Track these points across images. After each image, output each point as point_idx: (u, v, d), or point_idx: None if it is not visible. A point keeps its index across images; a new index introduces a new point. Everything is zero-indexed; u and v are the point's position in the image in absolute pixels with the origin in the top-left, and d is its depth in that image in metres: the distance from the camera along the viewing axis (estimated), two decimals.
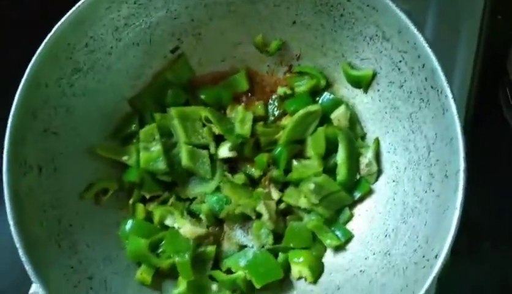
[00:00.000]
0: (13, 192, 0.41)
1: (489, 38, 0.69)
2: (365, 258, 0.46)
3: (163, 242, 0.48)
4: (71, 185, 0.48)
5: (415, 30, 0.43)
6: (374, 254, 0.46)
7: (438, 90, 0.42)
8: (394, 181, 0.48)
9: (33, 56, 0.44)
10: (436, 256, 0.38)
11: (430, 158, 0.44)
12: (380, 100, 0.50)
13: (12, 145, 0.42)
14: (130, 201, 0.51)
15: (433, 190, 0.43)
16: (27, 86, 0.44)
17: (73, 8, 0.45)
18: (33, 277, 0.39)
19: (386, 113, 0.50)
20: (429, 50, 0.42)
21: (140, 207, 0.51)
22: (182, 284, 0.46)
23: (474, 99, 0.65)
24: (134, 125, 0.52)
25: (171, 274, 0.48)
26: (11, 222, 0.40)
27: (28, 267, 0.39)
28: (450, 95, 0.41)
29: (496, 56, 0.69)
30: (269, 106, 0.56)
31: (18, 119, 0.43)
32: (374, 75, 0.50)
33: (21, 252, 0.39)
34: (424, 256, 0.40)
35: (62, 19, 0.44)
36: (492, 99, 0.71)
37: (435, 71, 0.42)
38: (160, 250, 0.48)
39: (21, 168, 0.43)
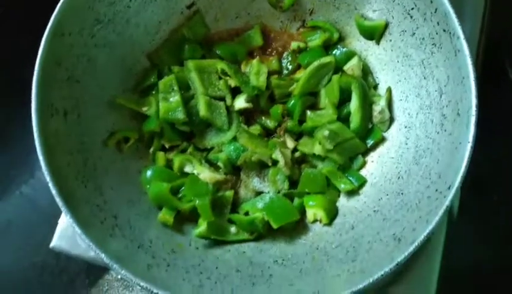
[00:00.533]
0: (41, 132, 0.42)
1: (493, 8, 0.70)
2: (379, 199, 0.48)
3: (183, 188, 0.50)
4: (95, 132, 0.49)
5: None
6: (387, 195, 0.47)
7: (450, 33, 0.43)
8: (406, 127, 0.50)
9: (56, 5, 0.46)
10: (449, 187, 0.39)
11: (442, 100, 0.45)
12: (392, 50, 0.51)
13: (39, 89, 0.43)
14: (151, 150, 0.53)
15: (445, 130, 0.44)
16: (52, 35, 0.45)
17: None
18: (63, 210, 0.41)
19: (398, 62, 0.51)
20: None
21: (160, 155, 0.52)
22: (203, 225, 0.48)
23: (481, 59, 0.67)
24: (153, 78, 0.54)
25: (192, 217, 0.49)
26: (41, 158, 0.41)
27: (58, 199, 0.40)
28: (462, 36, 0.42)
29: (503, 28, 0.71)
30: (283, 61, 0.57)
31: (43, 66, 0.44)
32: (386, 25, 0.51)
33: (51, 185, 0.41)
34: (437, 190, 0.41)
35: None
36: (499, 62, 0.72)
37: (447, 14, 0.43)
38: (181, 194, 0.50)
39: (48, 111, 0.44)
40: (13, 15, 0.71)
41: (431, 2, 0.45)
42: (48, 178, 0.41)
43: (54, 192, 0.41)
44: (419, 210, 0.42)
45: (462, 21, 0.43)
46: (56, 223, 0.54)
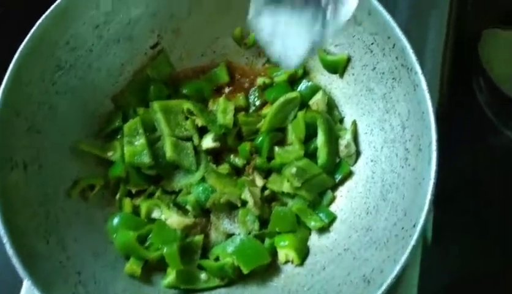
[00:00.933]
0: (0, 187, 0.41)
1: (459, 26, 0.72)
2: (349, 237, 0.47)
3: (150, 235, 0.49)
4: (57, 182, 0.48)
5: (384, 12, 0.45)
6: (357, 232, 0.47)
7: (408, 68, 0.44)
8: (372, 161, 0.49)
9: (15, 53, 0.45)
10: (414, 226, 0.39)
11: (405, 134, 0.45)
12: (355, 84, 0.52)
13: None
14: (117, 197, 0.52)
15: (409, 165, 0.44)
16: (10, 84, 0.44)
17: (54, 5, 0.46)
18: (21, 272, 0.39)
19: (361, 95, 0.51)
20: (397, 30, 0.44)
21: (127, 201, 0.51)
22: (171, 274, 0.46)
23: (447, 82, 0.68)
24: (118, 121, 0.53)
25: (160, 266, 0.48)
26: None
27: (16, 262, 0.39)
28: (419, 71, 0.43)
29: (469, 42, 0.72)
30: (250, 97, 0.57)
31: (1, 117, 0.44)
32: (349, 59, 0.51)
33: (8, 246, 0.39)
34: (403, 228, 0.41)
35: (44, 15, 0.46)
36: (466, 82, 0.73)
37: (404, 49, 0.44)
38: (148, 242, 0.49)
39: (8, 164, 0.43)
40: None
41: (388, 37, 0.46)
42: (4, 238, 0.40)
43: (11, 252, 0.39)
44: (387, 249, 0.41)
45: (422, 61, 0.44)
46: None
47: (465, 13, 0.74)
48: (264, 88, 0.56)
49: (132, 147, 0.51)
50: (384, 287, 0.38)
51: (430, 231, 0.61)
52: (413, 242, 0.38)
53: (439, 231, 0.63)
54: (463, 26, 0.72)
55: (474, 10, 0.75)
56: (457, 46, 0.70)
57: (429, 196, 0.39)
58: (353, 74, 0.52)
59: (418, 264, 0.55)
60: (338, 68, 0.52)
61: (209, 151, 0.53)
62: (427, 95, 0.42)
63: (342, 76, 0.53)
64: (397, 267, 0.38)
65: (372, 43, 0.48)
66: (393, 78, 0.47)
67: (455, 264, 0.66)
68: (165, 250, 0.46)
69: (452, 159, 0.68)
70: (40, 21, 0.45)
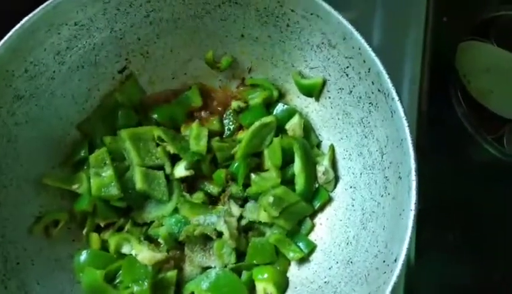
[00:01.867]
0: None
1: (436, 40, 0.72)
2: (329, 268, 0.45)
3: (120, 272, 0.46)
4: (18, 220, 0.45)
5: (359, 36, 0.43)
6: (337, 263, 0.45)
7: (385, 93, 0.43)
8: (351, 187, 0.48)
9: None
10: (395, 260, 0.38)
11: (384, 161, 0.44)
12: (331, 107, 0.50)
13: None
14: (84, 231, 0.49)
15: (388, 193, 0.43)
16: None
17: (10, 33, 0.43)
18: None
19: (338, 119, 0.50)
20: (372, 54, 0.43)
21: (94, 236, 0.49)
22: None
23: (426, 98, 0.67)
24: (83, 151, 0.50)
25: None
26: None
27: None
28: (396, 98, 0.41)
29: (445, 56, 0.72)
30: (224, 121, 0.55)
31: None
32: (324, 83, 0.50)
33: None
34: (384, 261, 0.39)
35: None
36: (445, 96, 0.73)
37: (380, 74, 0.43)
38: (118, 280, 0.46)
39: None
40: None
41: (364, 61, 0.44)
42: None
43: None
44: (368, 284, 0.40)
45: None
46: None
47: (440, 27, 0.75)
48: (238, 112, 0.54)
49: (99, 179, 0.48)
50: None
51: (413, 251, 0.60)
52: (394, 278, 0.37)
53: (422, 248, 0.62)
54: (439, 39, 0.73)
55: (450, 23, 0.76)
56: (434, 61, 0.70)
57: (409, 229, 0.38)
58: (329, 97, 0.50)
59: (402, 284, 0.55)
60: (314, 91, 0.51)
61: (182, 180, 0.51)
62: (405, 123, 0.40)
63: (318, 99, 0.51)
64: None
65: (348, 67, 0.47)
66: (370, 103, 0.45)
67: (438, 282, 0.66)
68: (135, 288, 0.44)
69: (433, 173, 0.68)
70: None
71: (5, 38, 0.43)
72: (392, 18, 0.66)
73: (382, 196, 0.43)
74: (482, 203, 0.70)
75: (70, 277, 0.46)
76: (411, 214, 0.38)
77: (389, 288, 0.36)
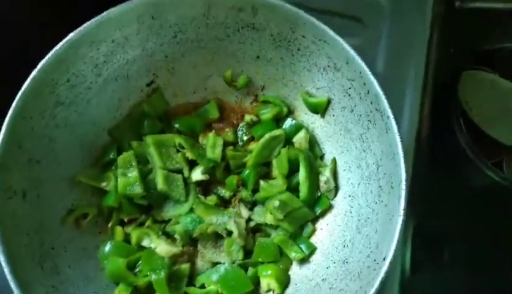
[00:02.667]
0: None
1: (439, 69, 0.76)
2: (327, 268, 0.50)
3: (140, 262, 0.51)
4: (53, 211, 0.51)
5: (360, 61, 0.49)
6: (334, 263, 0.50)
7: (381, 112, 0.48)
8: (350, 196, 0.53)
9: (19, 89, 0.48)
10: (384, 259, 0.42)
11: (379, 172, 0.49)
12: (335, 124, 0.56)
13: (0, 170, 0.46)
14: (109, 225, 0.55)
15: (382, 201, 0.48)
16: (13, 119, 0.47)
17: (56, 47, 0.49)
18: (16, 292, 0.42)
19: (340, 134, 0.55)
20: (372, 78, 0.48)
21: (119, 230, 0.54)
22: None
23: (428, 123, 0.72)
24: (112, 154, 0.56)
25: (148, 292, 0.51)
26: None
27: (14, 285, 0.41)
28: (391, 116, 0.47)
29: (449, 85, 0.76)
30: (238, 132, 0.61)
31: (4, 149, 0.46)
32: (329, 102, 0.56)
33: (7, 271, 0.42)
34: (375, 260, 0.44)
35: (46, 57, 0.49)
36: (447, 122, 0.76)
37: (378, 96, 0.48)
38: (137, 269, 0.51)
39: (6, 193, 0.46)
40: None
41: (364, 84, 0.50)
42: (3, 262, 0.42)
43: (9, 277, 0.42)
44: (360, 280, 0.44)
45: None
46: None
47: (445, 56, 0.79)
48: (251, 125, 0.60)
49: (125, 179, 0.54)
50: None
51: (408, 264, 0.64)
52: (382, 274, 0.42)
53: (417, 263, 0.66)
54: (442, 68, 0.77)
55: (455, 53, 0.80)
56: (436, 88, 0.74)
57: (397, 232, 0.43)
58: (333, 115, 0.56)
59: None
60: (319, 109, 0.56)
61: (198, 183, 0.57)
62: (398, 138, 0.46)
63: (323, 116, 0.57)
64: None
65: (350, 88, 0.52)
66: (369, 120, 0.51)
67: None
68: (153, 277, 0.49)
69: (434, 199, 0.72)
70: (41, 64, 0.48)
71: (53, 50, 0.49)
72: (396, 46, 0.71)
73: (376, 203, 0.48)
74: (480, 224, 0.72)
75: (96, 264, 0.52)
76: (400, 219, 0.43)
77: (378, 282, 0.41)
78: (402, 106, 0.68)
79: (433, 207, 0.72)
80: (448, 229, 0.73)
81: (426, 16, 0.74)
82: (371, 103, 0.50)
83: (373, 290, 0.41)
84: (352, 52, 0.50)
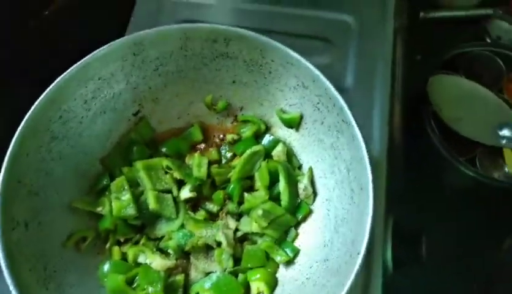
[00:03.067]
0: (4, 244, 0.48)
1: (407, 75, 0.81)
2: (310, 267, 0.55)
3: (137, 277, 0.55)
4: (54, 236, 0.55)
5: (324, 79, 0.55)
6: (316, 262, 0.54)
7: (347, 122, 0.53)
8: (326, 200, 0.58)
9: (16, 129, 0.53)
10: (358, 253, 0.47)
11: (350, 176, 0.54)
12: (308, 136, 0.61)
13: (2, 206, 0.49)
14: (107, 246, 0.59)
15: (354, 202, 0.53)
16: (13, 156, 0.51)
17: (49, 88, 0.54)
18: None
19: (314, 145, 0.60)
20: (335, 93, 0.54)
21: (116, 249, 0.58)
22: None
23: (400, 127, 0.76)
24: (105, 180, 0.61)
25: None
26: (4, 270, 0.46)
27: None
28: (355, 125, 0.52)
29: (418, 89, 0.81)
30: (222, 151, 0.66)
31: (5, 185, 0.50)
32: (301, 117, 0.61)
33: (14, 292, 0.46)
34: (351, 256, 0.49)
35: (40, 99, 0.53)
36: (419, 125, 0.80)
37: (342, 108, 0.53)
38: (136, 284, 0.55)
39: (10, 224, 0.50)
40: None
41: (330, 98, 0.55)
42: (11, 287, 0.46)
43: None
44: (339, 275, 0.49)
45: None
46: None
47: (413, 64, 0.85)
48: (233, 143, 0.65)
49: (119, 202, 0.58)
50: None
51: (390, 261, 0.68)
52: (357, 267, 0.46)
53: (399, 261, 0.70)
54: (412, 75, 0.83)
55: (422, 60, 0.86)
56: (407, 94, 0.79)
57: (368, 228, 0.47)
58: (306, 128, 0.61)
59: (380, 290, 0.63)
60: (293, 124, 0.62)
61: (186, 201, 0.61)
62: (363, 145, 0.51)
63: (297, 130, 0.62)
64: (345, 289, 0.45)
65: (318, 103, 0.58)
66: (337, 130, 0.56)
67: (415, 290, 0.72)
68: (150, 290, 0.53)
69: (412, 198, 0.76)
70: (35, 105, 0.53)
71: (45, 92, 0.54)
72: (363, 60, 0.77)
73: (350, 204, 0.53)
74: (457, 218, 0.75)
75: (96, 283, 0.55)
76: (369, 217, 0.48)
77: (353, 275, 0.46)
78: (372, 115, 0.73)
79: (411, 206, 0.76)
80: (426, 225, 0.75)
81: (388, 30, 0.80)
82: (337, 114, 0.55)
83: (349, 281, 0.45)
84: (316, 71, 0.55)
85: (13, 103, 0.63)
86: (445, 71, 0.82)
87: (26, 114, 0.53)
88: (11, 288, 0.46)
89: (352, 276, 0.46)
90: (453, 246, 0.73)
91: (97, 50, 0.56)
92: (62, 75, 0.55)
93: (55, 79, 0.55)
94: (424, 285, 0.71)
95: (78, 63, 0.56)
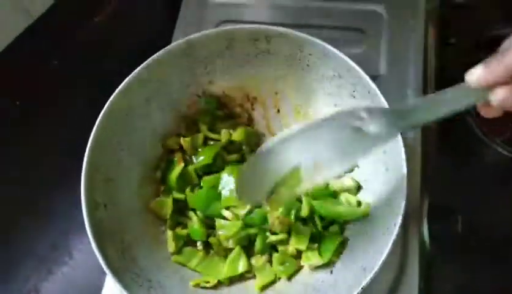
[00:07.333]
0: (90, 222, 0.57)
1: (443, 60, 0.83)
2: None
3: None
4: (128, 215, 0.64)
5: (357, 68, 0.60)
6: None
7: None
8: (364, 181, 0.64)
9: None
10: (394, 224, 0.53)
11: (385, 157, 0.60)
12: None
13: (86, 190, 0.58)
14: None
15: (389, 181, 0.58)
16: (92, 149, 0.60)
17: (118, 88, 0.60)
18: (112, 277, 0.54)
19: None
20: (370, 81, 0.59)
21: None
22: None
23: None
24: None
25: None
26: (92, 243, 0.56)
27: (110, 275, 0.54)
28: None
29: (451, 73, 0.83)
30: None
31: (87, 173, 0.59)
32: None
33: (102, 264, 0.54)
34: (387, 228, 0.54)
35: (111, 98, 0.61)
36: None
37: (376, 94, 0.59)
38: None
39: (93, 205, 0.58)
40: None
41: (364, 86, 0.61)
42: (99, 258, 0.55)
43: (105, 267, 0.54)
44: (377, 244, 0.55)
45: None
46: None
47: (447, 48, 0.85)
48: None
49: None
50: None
51: (427, 239, 0.70)
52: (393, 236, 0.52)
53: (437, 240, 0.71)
54: (445, 59, 0.84)
55: (456, 43, 0.87)
56: (440, 78, 0.81)
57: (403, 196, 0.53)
58: None
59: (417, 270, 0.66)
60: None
61: None
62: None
63: None
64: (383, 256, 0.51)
65: (354, 91, 0.63)
66: None
67: (454, 275, 0.70)
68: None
69: (448, 179, 0.77)
70: (107, 104, 0.61)
71: (115, 92, 0.61)
72: (396, 47, 0.81)
73: (383, 185, 0.59)
74: (492, 197, 0.74)
75: (164, 255, 0.65)
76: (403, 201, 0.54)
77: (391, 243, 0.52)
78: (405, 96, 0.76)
79: (447, 187, 0.77)
80: (462, 205, 0.74)
81: (419, 15, 0.83)
82: (372, 101, 0.60)
83: (387, 249, 0.51)
84: (351, 62, 0.61)
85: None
86: (480, 54, 0.83)
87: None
88: (99, 257, 0.55)
89: (390, 244, 0.51)
90: (489, 225, 0.73)
91: (157, 53, 0.64)
92: (129, 77, 0.63)
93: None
94: (461, 263, 0.70)
95: (140, 66, 0.64)
